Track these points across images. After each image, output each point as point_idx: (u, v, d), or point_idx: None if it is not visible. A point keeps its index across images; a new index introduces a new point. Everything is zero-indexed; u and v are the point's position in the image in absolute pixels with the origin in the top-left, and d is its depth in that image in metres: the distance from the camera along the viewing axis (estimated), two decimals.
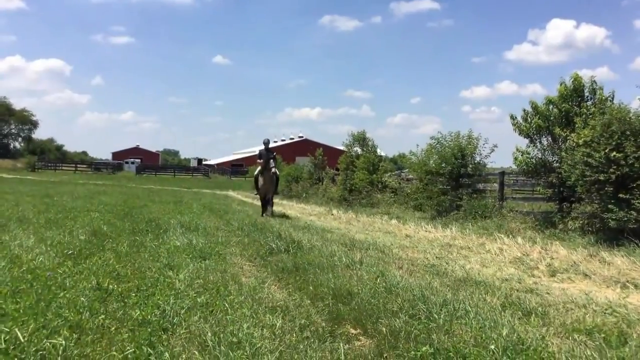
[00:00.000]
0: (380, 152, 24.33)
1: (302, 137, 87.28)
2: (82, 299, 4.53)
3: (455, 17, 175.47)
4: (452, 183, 15.11)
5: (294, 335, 3.87)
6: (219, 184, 48.24)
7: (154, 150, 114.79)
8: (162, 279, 5.45)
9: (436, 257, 8.19)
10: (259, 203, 15.94)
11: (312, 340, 3.80)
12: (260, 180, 15.03)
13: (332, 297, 4.96)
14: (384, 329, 4.00)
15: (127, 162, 76.15)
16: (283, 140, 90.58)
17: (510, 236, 10.01)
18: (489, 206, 13.49)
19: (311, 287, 5.38)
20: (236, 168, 76.01)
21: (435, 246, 9.47)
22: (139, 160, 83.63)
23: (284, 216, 15.32)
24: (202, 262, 6.58)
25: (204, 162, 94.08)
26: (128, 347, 3.51)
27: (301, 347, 3.65)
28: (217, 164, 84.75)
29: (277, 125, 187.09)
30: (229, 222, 11.75)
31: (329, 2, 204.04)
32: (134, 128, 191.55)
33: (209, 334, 3.77)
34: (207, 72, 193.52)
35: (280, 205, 21.30)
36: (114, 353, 3.44)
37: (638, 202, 8.34)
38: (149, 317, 4.11)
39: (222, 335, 3.77)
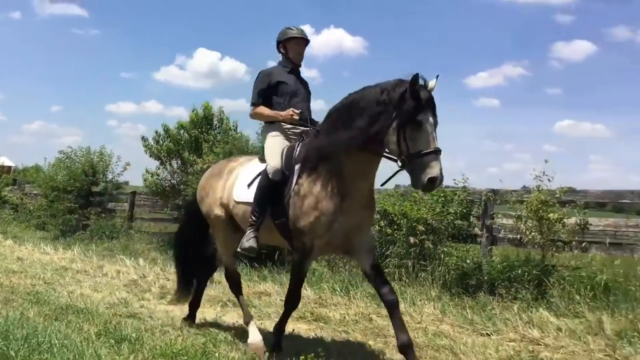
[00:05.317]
0: (8, 162, 21.57)
1: None
2: None
3: (104, 29, 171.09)
4: (81, 201, 14.26)
5: None
6: None
7: None
8: None
9: (45, 283, 7.49)
10: None
11: None
12: (321, 196, 3.86)
13: None
14: None
15: None
16: None
17: (133, 258, 9.91)
18: (117, 226, 13.19)
19: None
20: None
21: (49, 270, 8.64)
22: None
23: None
24: None
25: None
26: None
27: None
28: None
29: None
30: None
31: None
32: None
33: None
34: None
35: None
36: None
37: None
38: None
39: None
